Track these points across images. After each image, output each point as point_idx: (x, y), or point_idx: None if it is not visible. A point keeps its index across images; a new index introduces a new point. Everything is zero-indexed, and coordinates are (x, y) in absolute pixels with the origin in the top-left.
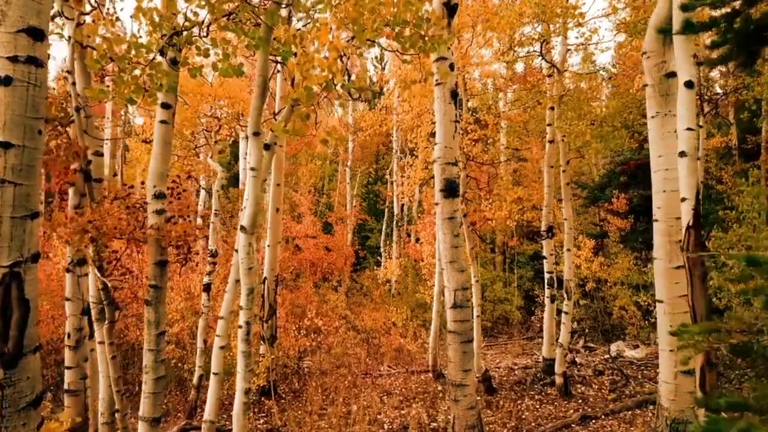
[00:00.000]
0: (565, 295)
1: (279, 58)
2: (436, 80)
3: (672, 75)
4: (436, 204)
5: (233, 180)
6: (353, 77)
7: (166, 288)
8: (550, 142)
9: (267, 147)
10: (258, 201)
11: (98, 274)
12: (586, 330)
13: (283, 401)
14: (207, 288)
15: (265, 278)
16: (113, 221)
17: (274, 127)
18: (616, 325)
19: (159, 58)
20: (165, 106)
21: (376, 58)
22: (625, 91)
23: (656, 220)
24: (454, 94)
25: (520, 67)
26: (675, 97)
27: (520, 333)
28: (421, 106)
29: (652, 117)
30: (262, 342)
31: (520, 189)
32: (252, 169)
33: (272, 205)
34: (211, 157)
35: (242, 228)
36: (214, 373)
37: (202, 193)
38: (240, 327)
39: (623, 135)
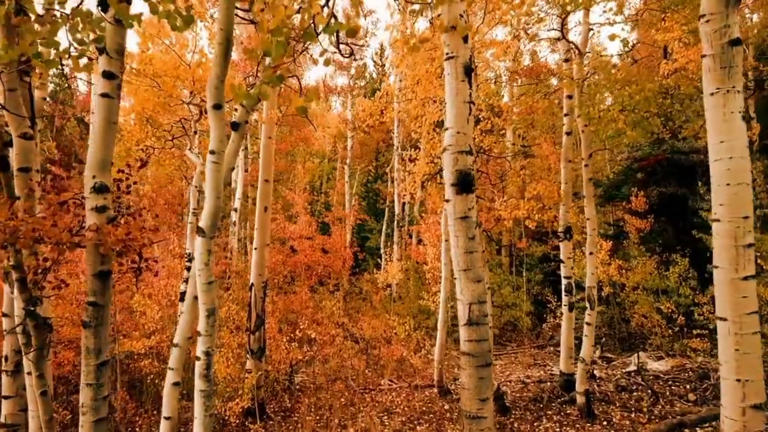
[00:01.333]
0: (587, 304)
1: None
2: (447, 53)
3: (737, 43)
4: (447, 201)
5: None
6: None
7: (110, 305)
8: (568, 133)
9: (236, 126)
10: (219, 195)
11: (19, 289)
12: (603, 338)
13: (271, 422)
14: (183, 299)
15: (252, 285)
16: (35, 222)
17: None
18: (633, 333)
19: (90, 8)
20: (108, 75)
21: (376, 53)
22: (656, 75)
23: (716, 220)
24: (467, 70)
25: (526, 60)
26: (739, 69)
27: (530, 341)
28: (426, 93)
29: (712, 94)
30: (248, 356)
31: (540, 185)
32: (212, 152)
33: (260, 203)
34: (190, 149)
35: (199, 230)
36: (165, 418)
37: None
38: (197, 359)
39: (657, 122)
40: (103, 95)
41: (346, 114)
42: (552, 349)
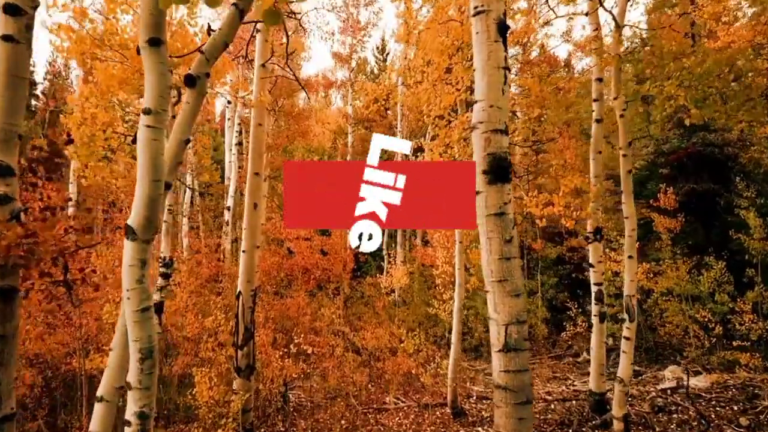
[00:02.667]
0: (626, 316)
1: None
2: (476, 8)
3: None
4: (477, 193)
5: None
6: None
7: (17, 336)
8: (598, 121)
9: (191, 81)
10: (158, 177)
11: None
12: None
13: None
14: (158, 309)
15: (240, 293)
16: None
17: None
18: (661, 343)
19: None
20: (11, 9)
21: (377, 48)
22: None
23: None
24: (502, 28)
25: (534, 52)
26: None
27: (546, 350)
28: (439, 72)
29: None
30: (236, 375)
31: (576, 177)
32: (147, 112)
33: (249, 199)
34: (167, 137)
35: (128, 231)
36: None
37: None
38: (126, 425)
39: (717, 101)
40: (6, 38)
41: (347, 109)
42: (571, 359)
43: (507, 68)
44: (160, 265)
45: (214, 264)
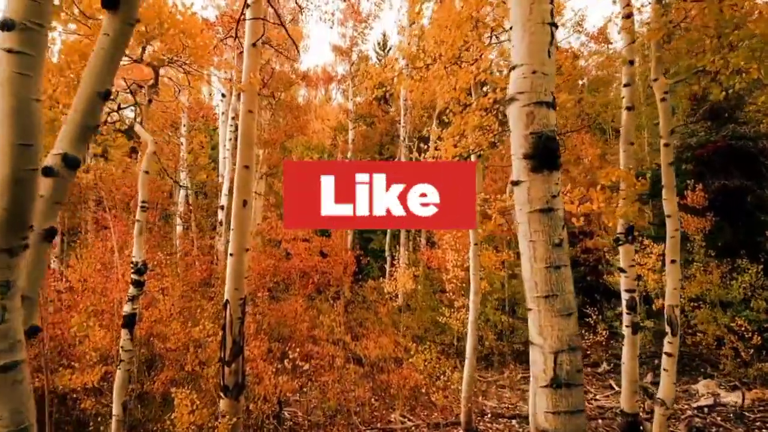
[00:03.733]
0: (667, 328)
1: None
2: None
3: None
4: (514, 184)
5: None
6: None
7: None
8: (629, 108)
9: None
10: (26, 138)
11: None
12: (656, 360)
13: None
14: (129, 322)
15: (227, 302)
16: None
17: None
18: (688, 353)
19: None
20: None
21: (378, 43)
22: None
23: None
24: None
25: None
26: None
27: None
28: (454, 50)
29: None
30: (221, 395)
31: (617, 169)
32: (6, 27)
33: (238, 195)
34: (140, 122)
35: None
36: None
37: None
38: None
39: None
40: None
41: (347, 104)
42: (589, 370)
43: (554, 24)
44: (132, 271)
45: (206, 267)
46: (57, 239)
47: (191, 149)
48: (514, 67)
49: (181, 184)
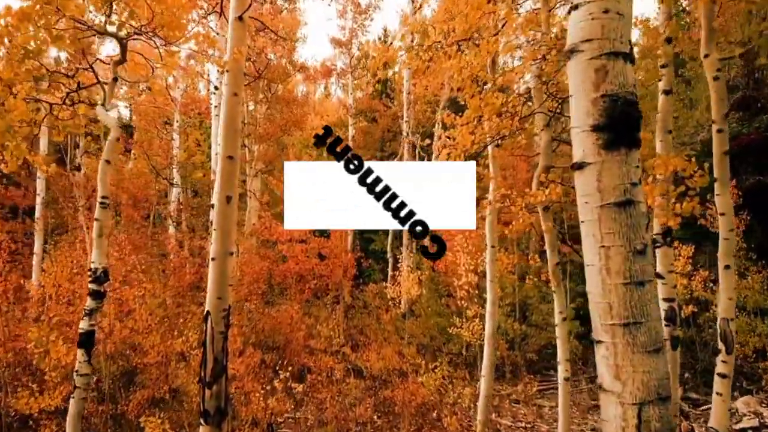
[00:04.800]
0: (722, 346)
1: None
2: None
3: None
4: (576, 168)
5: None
6: None
7: None
8: (666, 92)
9: None
10: None
11: None
12: (685, 374)
13: None
14: (86, 341)
15: (208, 313)
16: None
17: None
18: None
19: None
20: None
21: (378, 38)
22: None
23: None
24: None
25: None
26: None
27: (581, 370)
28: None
29: None
30: (201, 422)
31: (677, 159)
32: None
33: (221, 190)
34: (103, 104)
35: None
36: None
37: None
38: None
39: None
40: None
41: (347, 99)
42: None
43: None
44: (90, 279)
45: (196, 270)
46: (37, 245)
47: (186, 147)
48: (576, 6)
49: (171, 182)
